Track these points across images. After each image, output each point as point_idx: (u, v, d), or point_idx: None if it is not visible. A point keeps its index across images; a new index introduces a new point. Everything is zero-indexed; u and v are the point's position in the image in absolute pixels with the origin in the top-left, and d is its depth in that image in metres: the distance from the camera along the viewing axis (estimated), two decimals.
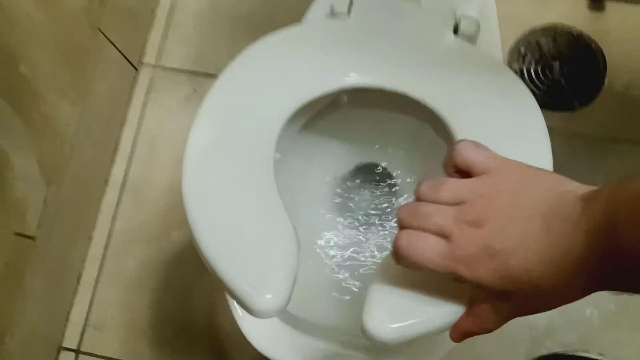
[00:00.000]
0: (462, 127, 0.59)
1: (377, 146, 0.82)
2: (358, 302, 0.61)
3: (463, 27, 0.67)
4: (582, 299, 0.87)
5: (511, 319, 0.37)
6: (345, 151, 0.82)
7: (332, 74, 0.63)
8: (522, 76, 0.99)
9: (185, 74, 1.04)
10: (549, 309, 0.37)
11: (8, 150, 0.74)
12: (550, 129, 0.95)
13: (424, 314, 0.41)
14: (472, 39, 0.69)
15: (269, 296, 0.49)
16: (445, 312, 0.41)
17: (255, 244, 0.53)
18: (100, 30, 0.90)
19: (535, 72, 0.99)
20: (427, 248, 0.36)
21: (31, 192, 0.80)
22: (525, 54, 0.99)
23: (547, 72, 0.98)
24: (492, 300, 0.37)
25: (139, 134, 1.03)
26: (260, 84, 0.63)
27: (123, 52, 0.98)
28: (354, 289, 0.75)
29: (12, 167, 0.75)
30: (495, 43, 0.73)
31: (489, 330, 0.39)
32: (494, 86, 0.62)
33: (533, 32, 1.00)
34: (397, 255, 0.37)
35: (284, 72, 0.63)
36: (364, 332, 0.41)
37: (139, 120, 1.03)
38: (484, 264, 0.35)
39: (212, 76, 1.02)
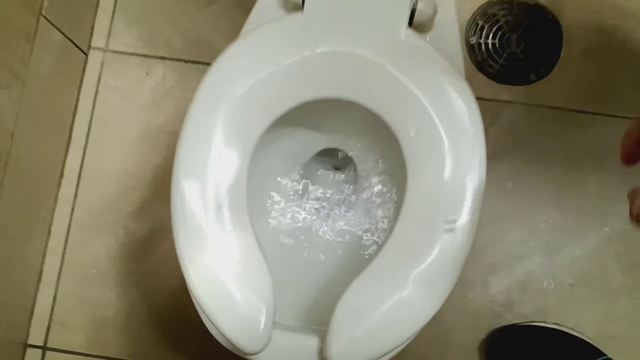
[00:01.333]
0: (403, 130, 0.63)
1: (338, 134, 0.81)
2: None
3: (419, 11, 0.66)
4: (539, 270, 0.89)
5: None
6: (309, 139, 0.82)
7: (296, 90, 0.64)
8: (479, 49, 0.98)
9: (137, 57, 1.00)
10: None
11: None
12: (510, 102, 0.97)
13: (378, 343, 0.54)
14: (428, 23, 0.68)
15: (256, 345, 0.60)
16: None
17: (241, 295, 0.61)
18: (42, 15, 0.85)
19: (493, 45, 0.98)
20: None
21: None
22: (483, 27, 0.98)
23: (505, 45, 0.98)
24: None
25: (92, 120, 1.00)
26: (234, 104, 0.64)
27: (69, 37, 0.94)
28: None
29: None
30: (452, 25, 0.72)
31: None
32: (436, 91, 0.63)
33: (490, 4, 0.99)
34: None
35: (253, 91, 0.64)
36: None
37: (92, 107, 1.00)
38: None
39: (164, 59, 0.99)
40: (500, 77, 0.97)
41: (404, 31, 0.64)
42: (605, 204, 0.94)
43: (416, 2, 0.66)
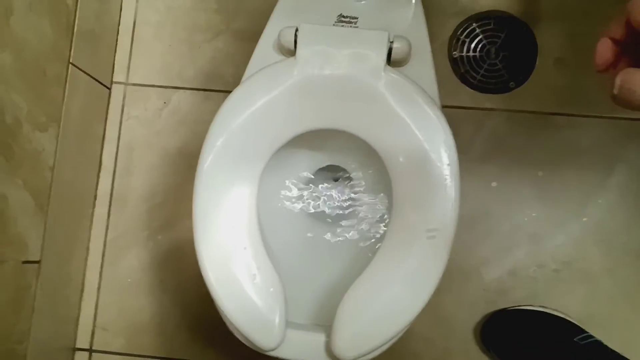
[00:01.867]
0: (385, 154, 0.75)
1: (337, 152, 0.92)
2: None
3: (395, 50, 0.77)
4: (527, 259, 0.98)
5: None
6: (310, 157, 0.93)
7: (293, 125, 0.76)
8: (462, 62, 1.08)
9: (155, 88, 1.12)
10: None
11: (6, 194, 0.83)
12: (492, 110, 1.06)
13: (376, 335, 0.67)
14: (405, 58, 0.79)
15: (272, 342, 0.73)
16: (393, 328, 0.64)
17: (257, 298, 0.74)
18: (71, 63, 0.97)
19: (474, 57, 1.08)
20: None
21: (30, 222, 0.90)
22: (464, 41, 1.08)
23: (485, 57, 1.07)
24: None
25: (119, 148, 1.12)
26: (242, 139, 0.76)
27: (94, 76, 1.06)
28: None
29: (10, 205, 0.85)
30: (427, 58, 0.82)
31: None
32: (414, 129, 0.74)
33: (470, 19, 1.08)
34: None
35: (256, 130, 0.76)
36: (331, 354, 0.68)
37: (117, 135, 1.12)
38: None
39: (179, 89, 1.10)
40: (482, 87, 1.07)
41: (383, 69, 0.75)
42: (583, 197, 1.04)
43: (393, 42, 0.76)
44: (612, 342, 0.92)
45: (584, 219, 1.04)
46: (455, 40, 1.09)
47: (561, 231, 1.04)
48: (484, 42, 1.07)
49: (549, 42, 1.06)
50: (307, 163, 0.94)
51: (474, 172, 1.05)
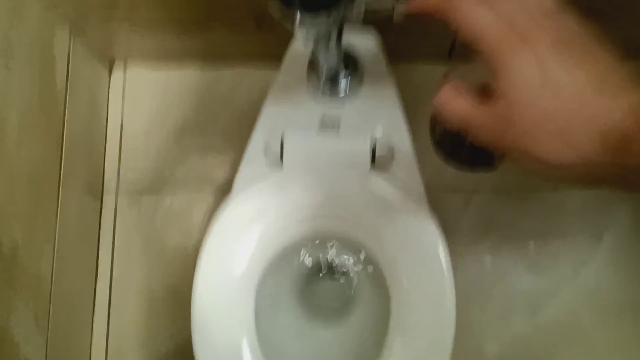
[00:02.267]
0: (380, 262, 0.77)
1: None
2: None
3: (379, 154, 0.79)
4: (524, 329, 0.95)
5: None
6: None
7: (285, 235, 0.79)
8: (444, 143, 1.11)
9: (145, 195, 1.14)
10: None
11: (8, 325, 0.84)
12: (478, 187, 1.08)
13: None
14: (388, 160, 0.81)
15: None
16: None
17: None
18: (61, 184, 0.98)
19: (457, 135, 1.10)
20: None
21: (33, 345, 0.90)
22: (440, 122, 1.11)
23: (463, 135, 1.10)
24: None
25: (113, 255, 1.12)
26: (235, 255, 0.78)
27: (86, 190, 1.07)
28: None
29: (13, 333, 0.85)
30: (410, 158, 0.85)
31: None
32: (402, 223, 0.77)
33: None
34: None
35: (249, 241, 0.78)
36: None
37: (112, 242, 1.13)
38: None
39: (169, 193, 1.12)
40: (466, 163, 1.10)
41: (368, 177, 0.78)
42: (575, 263, 1.06)
43: (375, 145, 0.79)
44: None
45: (578, 284, 1.05)
46: (435, 121, 1.12)
47: (555, 300, 1.05)
48: None
49: None
50: (297, 256, 0.95)
51: (465, 250, 1.07)
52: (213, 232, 0.77)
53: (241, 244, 0.77)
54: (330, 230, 0.79)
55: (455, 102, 0.44)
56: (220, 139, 1.14)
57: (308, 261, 0.93)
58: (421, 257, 0.76)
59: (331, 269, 0.96)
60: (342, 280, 0.95)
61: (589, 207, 1.07)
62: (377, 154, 0.79)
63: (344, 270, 0.94)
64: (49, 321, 0.94)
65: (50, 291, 0.95)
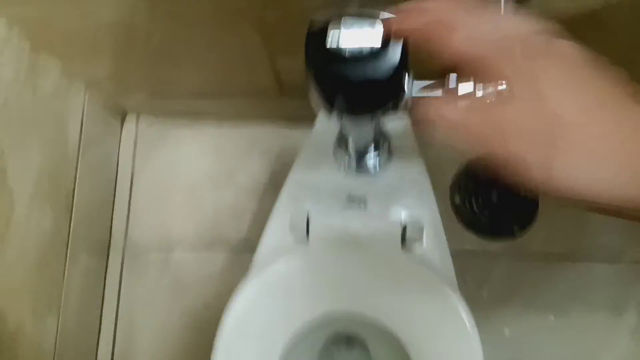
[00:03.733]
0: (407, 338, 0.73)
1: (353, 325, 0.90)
2: None
3: (409, 235, 0.76)
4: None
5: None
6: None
7: (311, 311, 0.74)
8: (465, 208, 1.08)
9: (154, 253, 1.09)
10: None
11: None
12: (496, 256, 1.05)
13: None
14: (418, 240, 0.78)
15: None
16: None
17: None
18: (68, 254, 0.94)
19: (477, 202, 1.08)
20: None
21: None
22: (465, 187, 1.08)
23: (487, 201, 1.08)
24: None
25: (117, 317, 1.08)
26: (258, 328, 0.74)
27: (93, 253, 1.03)
28: None
29: None
30: (440, 237, 0.81)
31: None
32: (431, 305, 0.74)
33: (469, 164, 1.09)
34: None
35: (273, 317, 0.75)
36: None
37: (115, 307, 1.08)
38: None
39: (180, 251, 1.08)
40: (486, 232, 1.07)
41: (398, 258, 0.74)
42: (596, 340, 1.03)
43: (406, 227, 0.76)
44: None
45: None
46: (456, 187, 1.09)
47: None
48: (485, 186, 1.08)
49: None
50: (320, 332, 0.92)
51: (485, 319, 1.03)
52: (234, 307, 0.74)
53: (263, 320, 0.74)
54: (357, 311, 0.75)
55: (449, 108, 0.38)
56: (234, 197, 1.10)
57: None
58: (450, 346, 0.72)
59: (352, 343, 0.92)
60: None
61: (611, 286, 1.04)
62: (407, 234, 0.76)
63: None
64: None
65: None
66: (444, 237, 0.82)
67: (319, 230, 0.77)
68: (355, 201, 0.81)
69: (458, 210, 1.08)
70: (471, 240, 1.07)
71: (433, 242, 0.81)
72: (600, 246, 1.05)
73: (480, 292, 1.05)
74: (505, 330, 1.04)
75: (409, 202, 0.83)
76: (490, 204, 1.07)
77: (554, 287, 1.04)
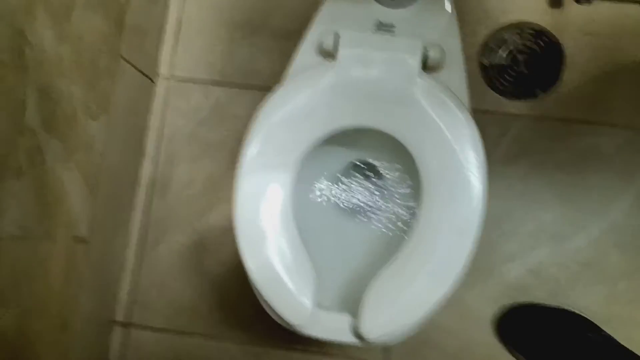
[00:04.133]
0: (417, 154, 0.80)
1: (368, 150, 0.98)
2: None
3: (431, 57, 0.82)
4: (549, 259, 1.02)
5: None
6: (343, 154, 0.99)
7: (332, 120, 0.82)
8: (491, 69, 1.13)
9: (196, 83, 1.18)
10: None
11: (61, 176, 0.90)
12: (517, 115, 1.11)
13: (400, 320, 0.74)
14: (439, 65, 0.84)
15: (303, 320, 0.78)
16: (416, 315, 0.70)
17: (288, 276, 0.80)
18: (121, 56, 1.04)
19: (503, 65, 1.12)
20: None
21: (81, 202, 0.97)
22: (494, 49, 1.13)
23: (514, 65, 1.12)
24: None
25: (161, 138, 1.18)
26: (283, 133, 0.82)
27: (140, 69, 1.12)
28: None
29: (63, 184, 0.91)
30: (458, 61, 0.87)
31: None
32: (446, 134, 0.80)
33: (500, 30, 1.13)
34: None
35: (297, 122, 0.82)
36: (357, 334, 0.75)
37: (159, 126, 1.18)
38: None
39: (219, 83, 1.17)
40: (508, 93, 1.12)
41: (418, 75, 0.81)
42: (605, 201, 1.09)
43: (428, 50, 0.82)
44: (632, 344, 0.96)
45: (605, 223, 1.08)
46: (485, 48, 1.13)
47: (583, 233, 1.08)
48: (514, 51, 1.12)
49: (577, 54, 1.10)
50: (338, 158, 1.00)
51: (498, 174, 1.10)
52: (266, 107, 0.82)
53: (289, 125, 0.81)
54: (374, 120, 0.82)
55: None
56: (268, 35, 1.18)
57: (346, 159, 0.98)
58: (457, 152, 0.79)
59: (365, 167, 1.00)
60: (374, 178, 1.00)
61: (625, 152, 1.08)
62: (429, 57, 0.82)
63: (377, 169, 0.99)
64: (97, 187, 1.01)
65: (101, 161, 1.02)
66: (463, 70, 0.88)
67: (346, 47, 0.83)
68: (383, 27, 0.87)
69: (483, 70, 1.13)
70: (493, 100, 1.12)
71: (452, 71, 0.87)
72: (621, 112, 1.09)
73: (497, 148, 1.11)
74: (518, 186, 1.10)
75: (435, 35, 0.88)
76: (517, 68, 1.11)
77: (568, 149, 1.09)
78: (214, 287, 1.14)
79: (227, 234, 1.14)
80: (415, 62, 0.81)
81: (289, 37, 1.16)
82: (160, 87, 1.19)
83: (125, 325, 1.15)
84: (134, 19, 1.07)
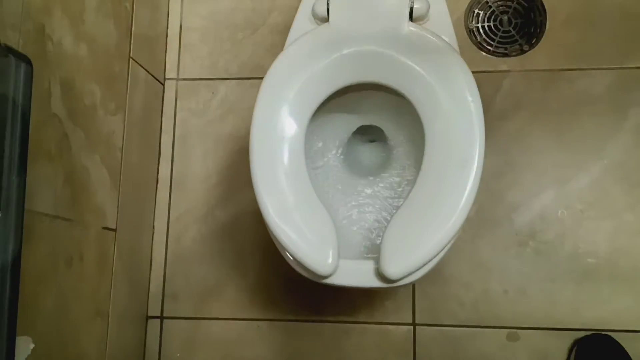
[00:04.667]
0: (415, 99, 0.85)
1: (371, 114, 1.03)
2: None
3: (416, 9, 0.88)
4: (553, 202, 1.06)
5: None
6: (348, 120, 1.04)
7: (333, 80, 0.88)
8: (478, 32, 1.19)
9: (203, 82, 1.26)
10: None
11: (87, 165, 0.96)
12: (508, 71, 1.17)
13: (419, 255, 0.79)
14: (425, 15, 0.90)
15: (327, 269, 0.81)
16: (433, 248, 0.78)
17: (310, 229, 0.83)
18: (131, 57, 1.11)
19: (489, 27, 1.19)
20: None
21: (107, 194, 1.03)
22: (479, 14, 1.19)
23: (499, 25, 1.18)
24: None
25: (175, 137, 1.25)
26: (291, 92, 0.88)
27: (150, 72, 1.19)
28: None
29: (90, 173, 0.97)
30: (443, 11, 0.93)
31: None
32: (438, 67, 0.85)
33: None
34: None
35: (301, 85, 0.88)
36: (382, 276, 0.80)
37: (173, 126, 1.25)
38: None
39: (225, 79, 1.23)
40: (497, 52, 1.18)
41: (407, 25, 0.87)
42: (601, 141, 1.13)
43: (413, 2, 0.88)
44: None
45: (604, 161, 1.12)
46: (470, 13, 1.20)
47: (583, 173, 1.13)
48: (496, 12, 1.19)
49: (556, 5, 1.17)
50: (344, 126, 1.05)
51: (495, 128, 1.15)
52: (271, 71, 0.88)
53: (293, 85, 0.87)
54: (371, 72, 0.87)
55: None
56: (270, 33, 1.25)
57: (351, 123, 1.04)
58: (453, 94, 0.84)
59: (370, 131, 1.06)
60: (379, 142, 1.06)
61: (615, 91, 1.13)
62: (414, 8, 0.88)
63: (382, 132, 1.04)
64: (120, 181, 1.07)
65: (122, 156, 1.08)
66: (449, 20, 0.94)
67: (337, 6, 0.90)
68: None
69: (472, 34, 1.19)
70: (483, 61, 1.18)
71: (438, 22, 0.93)
72: (604, 53, 1.15)
73: (492, 104, 1.16)
74: (517, 136, 1.15)
75: None
76: (502, 27, 1.18)
77: (561, 97, 1.15)
78: (239, 270, 1.19)
79: (247, 218, 1.19)
80: (403, 10, 0.87)
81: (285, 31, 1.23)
82: (169, 89, 1.26)
83: (159, 317, 1.19)
84: (140, 25, 1.15)
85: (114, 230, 1.05)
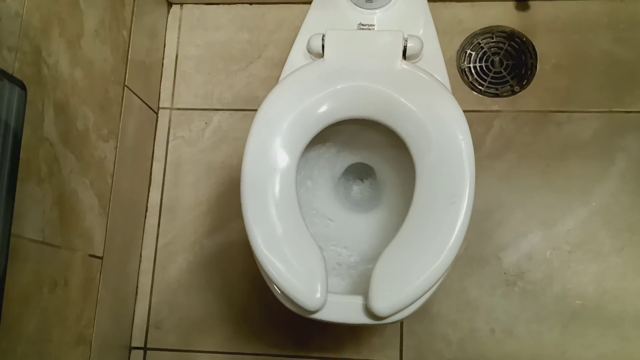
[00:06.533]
0: (407, 135, 0.86)
1: (362, 151, 1.04)
2: None
3: (410, 47, 0.90)
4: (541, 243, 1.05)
5: None
6: (339, 157, 1.05)
7: (325, 115, 0.88)
8: (470, 72, 1.21)
9: (196, 111, 1.26)
10: None
11: (77, 189, 0.96)
12: (499, 112, 1.18)
13: (408, 292, 0.78)
14: (418, 54, 0.92)
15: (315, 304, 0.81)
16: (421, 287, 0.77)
17: (299, 261, 0.83)
18: (125, 85, 1.12)
19: (480, 67, 1.21)
20: None
21: (95, 219, 1.02)
22: (471, 54, 1.22)
23: (490, 66, 1.21)
24: None
25: (166, 164, 1.25)
26: (283, 125, 0.88)
27: (144, 100, 1.20)
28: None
29: (79, 197, 0.97)
30: (436, 51, 0.95)
31: None
32: (430, 105, 0.86)
33: (474, 35, 1.22)
34: None
35: (294, 119, 0.88)
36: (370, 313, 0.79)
37: (165, 154, 1.25)
38: None
39: (218, 110, 1.24)
40: (488, 92, 1.20)
41: (400, 62, 0.88)
42: (588, 184, 1.14)
43: (407, 40, 0.90)
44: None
45: (592, 204, 1.13)
46: (462, 54, 1.22)
47: (571, 216, 1.13)
48: (488, 53, 1.21)
49: (547, 50, 1.19)
50: (336, 162, 1.06)
51: (485, 168, 1.16)
52: (265, 104, 0.88)
53: (287, 117, 0.87)
54: (364, 109, 0.88)
55: None
56: (265, 65, 1.26)
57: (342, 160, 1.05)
58: (444, 131, 0.85)
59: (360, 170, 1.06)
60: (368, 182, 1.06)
61: (603, 135, 1.15)
62: (407, 48, 0.90)
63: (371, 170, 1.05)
64: (109, 207, 1.06)
65: (112, 182, 1.08)
66: (442, 59, 0.96)
67: (332, 42, 0.91)
68: (364, 27, 0.96)
69: (464, 74, 1.21)
70: (474, 100, 1.20)
71: (431, 61, 0.95)
72: (593, 98, 1.17)
73: (482, 144, 1.18)
74: (506, 177, 1.16)
75: (413, 30, 0.97)
76: (493, 69, 1.20)
77: (550, 139, 1.16)
78: (225, 301, 1.18)
79: (234, 248, 1.19)
80: (397, 48, 0.88)
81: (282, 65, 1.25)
82: (163, 118, 1.27)
83: (142, 349, 1.17)
84: (136, 54, 1.16)
85: (101, 258, 1.04)
